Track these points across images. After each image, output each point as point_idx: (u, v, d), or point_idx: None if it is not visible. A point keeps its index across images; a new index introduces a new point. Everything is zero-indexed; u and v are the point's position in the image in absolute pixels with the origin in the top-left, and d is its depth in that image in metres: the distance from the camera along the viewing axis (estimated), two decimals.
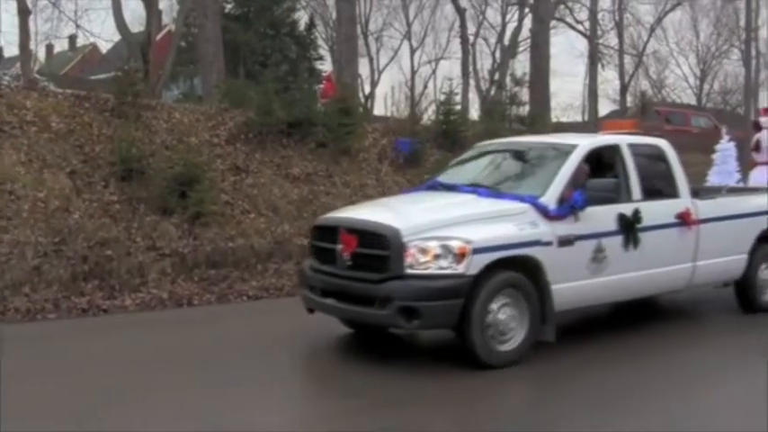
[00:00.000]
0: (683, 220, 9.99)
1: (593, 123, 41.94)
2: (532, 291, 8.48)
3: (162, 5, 39.73)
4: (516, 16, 51.01)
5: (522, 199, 8.82)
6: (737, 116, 46.12)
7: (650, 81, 57.81)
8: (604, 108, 54.44)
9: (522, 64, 43.67)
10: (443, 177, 10.31)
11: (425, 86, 55.63)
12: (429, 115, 25.76)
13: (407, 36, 55.69)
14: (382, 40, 56.50)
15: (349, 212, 9.54)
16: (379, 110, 48.26)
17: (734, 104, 55.95)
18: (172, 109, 17.85)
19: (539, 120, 24.72)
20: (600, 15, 48.65)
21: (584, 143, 9.72)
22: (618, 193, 9.46)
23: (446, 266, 8.03)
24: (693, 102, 55.84)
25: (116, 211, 13.62)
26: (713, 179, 16.49)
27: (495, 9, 54.28)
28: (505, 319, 8.28)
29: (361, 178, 17.57)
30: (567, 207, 8.82)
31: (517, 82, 28.90)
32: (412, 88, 51.34)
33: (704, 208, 10.35)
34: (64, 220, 12.84)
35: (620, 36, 50.66)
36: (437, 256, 8.04)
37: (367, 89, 52.37)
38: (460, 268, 8.02)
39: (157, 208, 13.91)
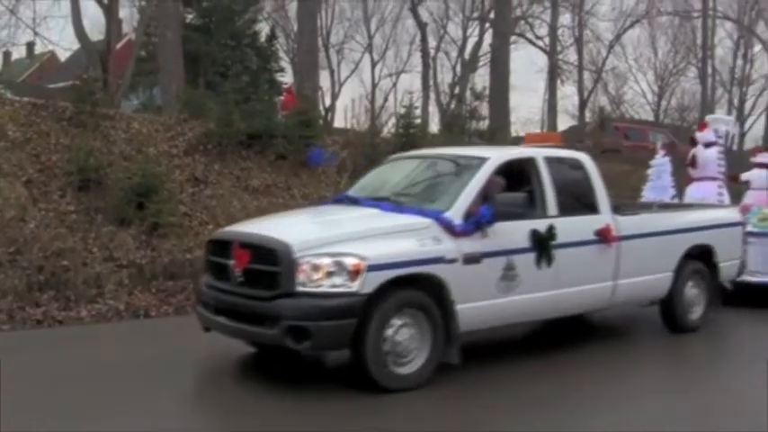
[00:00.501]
0: (603, 236, 9.62)
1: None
2: (435, 311, 8.05)
3: (122, 14, 39.53)
4: (477, 31, 51.33)
5: (425, 214, 8.39)
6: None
7: (609, 97, 58.33)
8: (564, 123, 54.81)
9: (482, 78, 44.03)
10: (353, 190, 9.98)
11: (386, 99, 55.68)
12: (389, 128, 25.84)
13: (369, 49, 55.83)
14: (343, 53, 56.59)
15: (245, 226, 9.21)
16: (339, 122, 48.32)
17: (691, 121, 56.46)
18: (131, 119, 17.76)
19: (498, 134, 24.90)
20: (560, 31, 49.12)
21: (496, 156, 9.28)
22: (528, 208, 9.05)
23: (339, 284, 7.58)
24: (651, 118, 56.38)
25: (73, 221, 13.50)
26: (648, 195, 15.92)
27: (456, 23, 54.63)
28: (405, 340, 7.84)
29: (320, 190, 17.56)
30: (474, 222, 8.38)
31: (477, 96, 29.12)
32: (372, 101, 51.33)
33: (626, 224, 10.00)
34: (19, 230, 12.70)
35: (580, 52, 51.08)
36: (330, 274, 7.59)
37: (327, 101, 52.40)
38: (354, 286, 7.56)
39: (115, 218, 13.80)
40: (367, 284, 7.58)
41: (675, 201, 15.26)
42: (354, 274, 7.58)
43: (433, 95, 50.98)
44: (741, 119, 54.99)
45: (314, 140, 18.46)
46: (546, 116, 50.70)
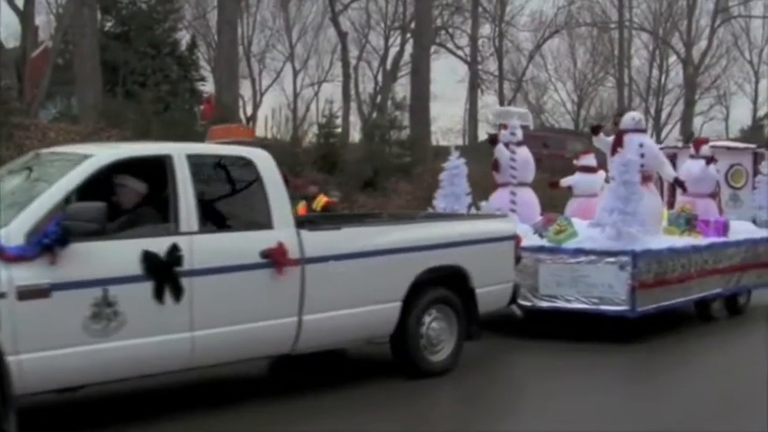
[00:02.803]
0: (273, 258, 7.45)
1: (471, 147, 42.60)
2: None
3: (38, 21, 38.91)
4: (399, 41, 51.54)
5: None
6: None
7: (529, 106, 58.87)
8: (484, 132, 55.32)
9: (403, 88, 44.27)
10: None
11: (308, 109, 55.63)
12: (310, 138, 25.88)
13: (290, 58, 55.63)
14: (265, 62, 56.32)
15: None
16: (260, 132, 48.05)
17: (609, 130, 57.43)
18: (46, 128, 17.54)
19: (418, 143, 25.05)
20: (480, 42, 49.54)
21: (104, 154, 7.21)
22: (155, 221, 7.22)
23: None
24: (571, 127, 57.10)
25: None
26: (439, 204, 13.18)
27: (378, 33, 54.74)
28: None
29: None
30: (37, 243, 6.32)
31: (398, 106, 29.20)
32: (294, 110, 51.26)
33: (315, 243, 7.84)
34: None
35: (500, 62, 51.63)
36: None
37: (249, 111, 52.10)
38: None
39: None
40: None
41: (473, 210, 12.90)
42: None
43: (354, 105, 51.04)
44: (657, 128, 56.09)
45: None
46: (467, 125, 51.16)
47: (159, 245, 6.87)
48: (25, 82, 26.47)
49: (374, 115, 42.80)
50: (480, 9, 48.36)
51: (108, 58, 29.01)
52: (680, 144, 17.56)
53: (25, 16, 29.31)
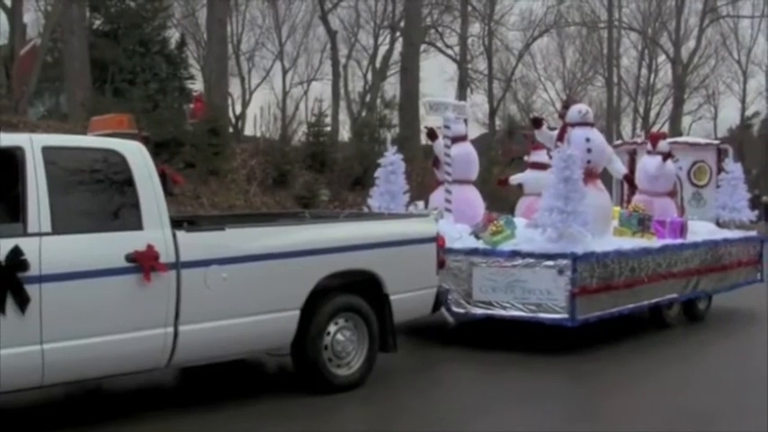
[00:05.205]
0: (141, 262, 6.69)
1: None
2: None
3: (27, 18, 38.75)
4: (388, 39, 51.57)
5: None
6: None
7: (518, 105, 58.95)
8: (474, 131, 55.30)
9: (393, 86, 44.31)
10: None
11: (297, 107, 55.58)
12: (300, 136, 25.92)
13: (280, 57, 55.59)
14: (254, 60, 56.24)
15: None
16: (249, 130, 48.09)
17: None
18: (34, 126, 17.50)
19: (408, 142, 25.05)
20: (469, 41, 49.57)
21: None
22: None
23: None
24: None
25: None
26: (374, 202, 12.37)
27: (367, 32, 54.72)
28: None
29: (229, 199, 17.49)
30: None
31: (387, 104, 29.23)
32: (283, 109, 51.19)
33: (195, 245, 7.13)
34: None
35: (489, 61, 51.67)
36: None
37: (238, 109, 52.04)
38: None
39: None
40: None
41: (412, 209, 12.01)
42: None
43: (343, 103, 51.05)
44: (646, 127, 56.28)
45: (223, 148, 18.38)
46: None
47: (1, 247, 6.07)
48: (13, 79, 26.35)
49: (363, 114, 42.84)
50: (470, 8, 48.35)
51: (97, 55, 28.92)
52: (639, 140, 16.78)
53: (13, 14, 29.21)
